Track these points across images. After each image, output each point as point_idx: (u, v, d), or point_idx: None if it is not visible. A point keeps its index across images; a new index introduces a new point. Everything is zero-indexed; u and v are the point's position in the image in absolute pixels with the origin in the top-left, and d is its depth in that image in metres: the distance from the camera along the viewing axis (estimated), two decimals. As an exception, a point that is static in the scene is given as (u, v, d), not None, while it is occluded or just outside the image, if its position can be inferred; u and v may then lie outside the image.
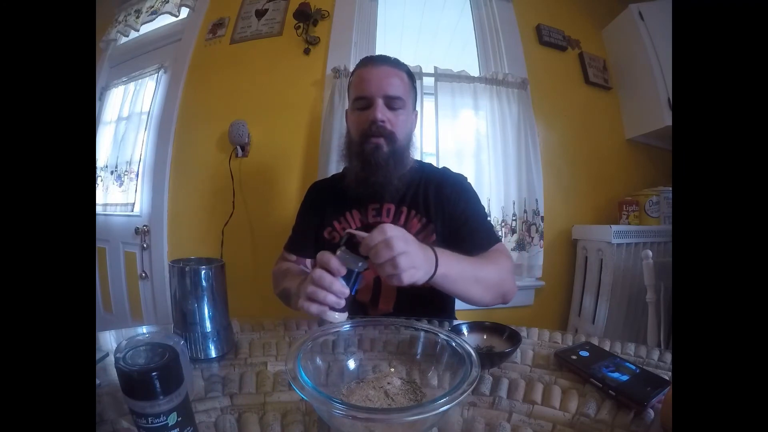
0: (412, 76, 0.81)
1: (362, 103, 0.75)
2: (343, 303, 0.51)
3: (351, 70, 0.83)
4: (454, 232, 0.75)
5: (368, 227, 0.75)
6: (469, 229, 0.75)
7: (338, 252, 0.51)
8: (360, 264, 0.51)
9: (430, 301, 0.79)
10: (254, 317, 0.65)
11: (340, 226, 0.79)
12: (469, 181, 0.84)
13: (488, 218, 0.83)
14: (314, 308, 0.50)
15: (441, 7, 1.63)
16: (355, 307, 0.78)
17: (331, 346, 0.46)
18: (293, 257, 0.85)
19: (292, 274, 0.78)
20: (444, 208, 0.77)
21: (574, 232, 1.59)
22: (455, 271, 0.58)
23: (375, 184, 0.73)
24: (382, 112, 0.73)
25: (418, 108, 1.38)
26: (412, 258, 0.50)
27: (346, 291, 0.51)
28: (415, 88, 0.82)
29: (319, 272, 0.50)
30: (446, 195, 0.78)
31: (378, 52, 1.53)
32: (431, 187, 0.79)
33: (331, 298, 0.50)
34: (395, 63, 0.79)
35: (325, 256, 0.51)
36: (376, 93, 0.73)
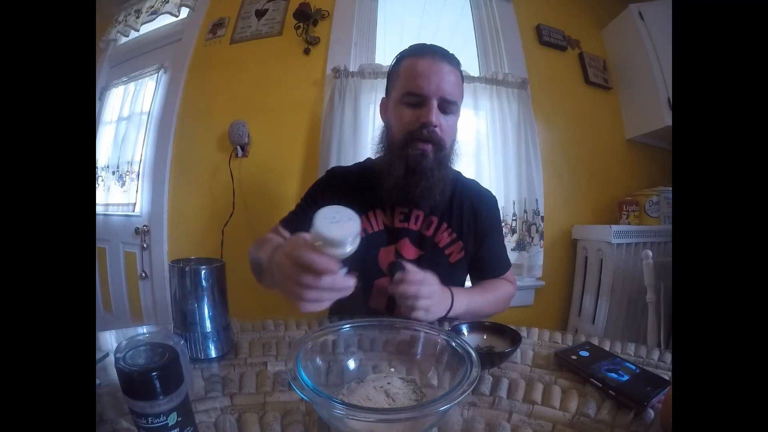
0: (462, 76, 0.73)
1: (413, 99, 0.66)
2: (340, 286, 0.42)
3: (399, 57, 0.73)
4: (481, 257, 0.78)
5: (392, 232, 0.75)
6: (492, 256, 0.78)
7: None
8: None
9: None
10: (254, 317, 0.65)
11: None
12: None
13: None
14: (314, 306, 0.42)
15: (441, 7, 1.63)
16: (368, 314, 0.77)
17: (331, 346, 0.46)
18: (287, 234, 0.74)
19: (272, 243, 0.67)
20: (476, 230, 0.76)
21: (574, 232, 1.59)
22: (463, 309, 0.65)
23: (415, 193, 0.68)
24: (437, 116, 0.66)
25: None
26: (431, 306, 0.58)
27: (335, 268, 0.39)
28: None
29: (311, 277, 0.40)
30: (482, 217, 0.77)
31: (378, 52, 1.55)
32: (466, 203, 0.77)
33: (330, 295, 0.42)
34: (453, 60, 0.70)
35: (322, 259, 0.39)
36: (434, 93, 0.65)
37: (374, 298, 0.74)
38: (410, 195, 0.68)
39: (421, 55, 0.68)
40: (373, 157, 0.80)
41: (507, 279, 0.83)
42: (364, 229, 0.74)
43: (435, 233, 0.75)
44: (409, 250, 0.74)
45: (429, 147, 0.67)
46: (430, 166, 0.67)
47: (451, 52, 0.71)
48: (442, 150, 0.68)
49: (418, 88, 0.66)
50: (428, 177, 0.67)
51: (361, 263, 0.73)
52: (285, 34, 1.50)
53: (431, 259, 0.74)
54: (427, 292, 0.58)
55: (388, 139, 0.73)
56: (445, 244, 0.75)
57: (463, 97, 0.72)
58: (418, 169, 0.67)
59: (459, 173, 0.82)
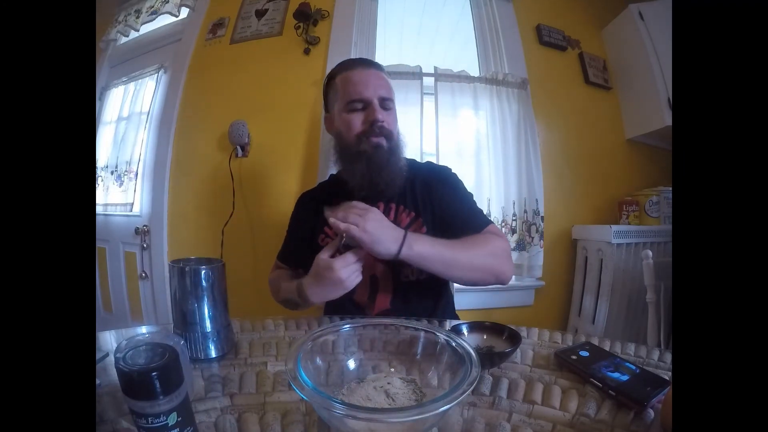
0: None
1: (358, 105, 0.76)
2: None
3: (331, 75, 0.83)
4: (446, 222, 0.78)
5: None
6: (461, 216, 0.79)
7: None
8: None
9: (427, 297, 0.80)
10: (254, 317, 0.65)
11: (331, 231, 0.79)
12: (454, 171, 0.86)
13: (475, 203, 0.83)
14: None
15: (441, 7, 1.63)
16: (353, 308, 0.78)
17: (331, 346, 0.46)
18: (284, 267, 0.87)
19: (289, 278, 0.80)
20: (432, 200, 0.79)
21: (574, 232, 1.59)
22: (432, 252, 0.65)
23: (381, 183, 0.74)
24: (381, 113, 0.75)
25: (417, 108, 1.40)
26: (367, 224, 0.60)
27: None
28: None
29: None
30: (434, 187, 0.80)
31: (378, 52, 1.55)
32: (417, 180, 0.81)
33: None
34: (379, 65, 0.82)
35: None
36: (373, 95, 0.75)
37: (356, 292, 0.77)
38: (377, 186, 0.75)
39: (353, 68, 0.78)
40: (335, 173, 0.88)
41: (489, 232, 0.77)
42: (335, 233, 0.79)
43: (396, 217, 0.78)
44: None
45: (382, 140, 0.75)
46: (387, 156, 0.75)
47: (374, 60, 0.83)
48: (392, 140, 0.77)
49: (359, 94, 0.75)
50: (387, 165, 0.75)
51: None
52: (285, 34, 1.50)
53: None
54: (360, 210, 0.62)
55: (341, 146, 0.80)
56: (405, 225, 0.77)
57: (394, 92, 0.82)
58: (378, 159, 0.74)
59: (413, 160, 0.88)
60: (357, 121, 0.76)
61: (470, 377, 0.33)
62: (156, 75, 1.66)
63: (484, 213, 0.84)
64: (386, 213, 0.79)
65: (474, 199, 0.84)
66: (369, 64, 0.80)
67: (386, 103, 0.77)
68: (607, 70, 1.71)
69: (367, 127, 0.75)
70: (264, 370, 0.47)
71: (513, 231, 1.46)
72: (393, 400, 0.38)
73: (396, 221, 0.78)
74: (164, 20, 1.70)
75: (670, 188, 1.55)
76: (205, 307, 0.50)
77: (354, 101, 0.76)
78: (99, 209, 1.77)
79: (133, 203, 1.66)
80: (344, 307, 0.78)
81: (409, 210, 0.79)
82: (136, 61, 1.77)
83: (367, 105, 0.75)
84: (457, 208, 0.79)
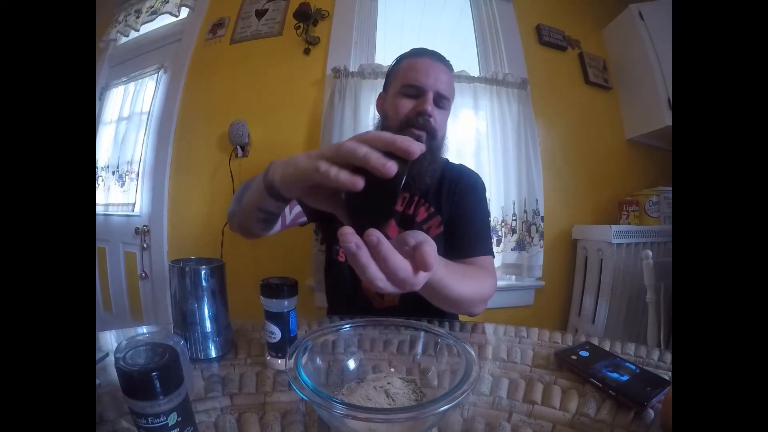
0: (453, 79, 0.81)
1: (412, 91, 0.73)
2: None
3: (401, 58, 0.80)
4: (455, 226, 0.76)
5: None
6: (469, 230, 0.76)
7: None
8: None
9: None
10: (254, 317, 0.65)
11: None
12: (483, 181, 0.84)
13: (488, 225, 0.81)
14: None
15: (441, 8, 1.63)
16: (361, 300, 0.78)
17: (331, 346, 0.46)
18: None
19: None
20: (453, 200, 0.78)
21: (574, 232, 1.59)
22: (438, 278, 0.48)
23: (407, 177, 0.71)
24: (431, 106, 0.71)
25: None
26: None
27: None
28: None
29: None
30: (459, 188, 0.79)
31: (378, 53, 1.55)
32: (446, 179, 0.79)
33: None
34: (448, 63, 0.79)
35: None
36: (431, 86, 0.72)
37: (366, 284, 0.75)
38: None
39: (422, 56, 0.76)
40: None
41: (485, 266, 0.71)
42: None
43: (415, 209, 0.77)
44: (393, 230, 0.77)
45: (423, 134, 0.71)
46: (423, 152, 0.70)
47: (447, 58, 0.79)
48: (434, 139, 0.74)
49: (417, 81, 0.72)
50: (420, 161, 0.70)
51: None
52: (285, 34, 1.50)
53: None
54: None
55: (383, 128, 0.77)
56: (422, 219, 0.76)
57: (454, 97, 0.79)
58: None
59: (446, 160, 0.86)
60: (406, 106, 0.73)
61: (470, 377, 0.33)
62: (156, 75, 1.66)
63: (491, 241, 0.78)
64: (408, 206, 0.78)
65: (488, 219, 0.82)
66: (440, 58, 0.77)
67: (442, 102, 0.74)
68: (607, 70, 1.71)
69: (413, 115, 0.71)
70: (264, 370, 0.47)
71: (513, 231, 1.46)
72: (393, 400, 0.38)
73: (413, 213, 0.77)
74: (164, 20, 1.70)
75: (670, 188, 1.55)
76: (205, 307, 0.50)
77: (410, 86, 0.73)
78: (99, 209, 1.77)
79: (135, 203, 1.66)
80: (353, 297, 0.77)
81: (429, 205, 0.77)
82: (136, 61, 1.77)
83: (421, 94, 0.72)
84: (470, 220, 0.77)
